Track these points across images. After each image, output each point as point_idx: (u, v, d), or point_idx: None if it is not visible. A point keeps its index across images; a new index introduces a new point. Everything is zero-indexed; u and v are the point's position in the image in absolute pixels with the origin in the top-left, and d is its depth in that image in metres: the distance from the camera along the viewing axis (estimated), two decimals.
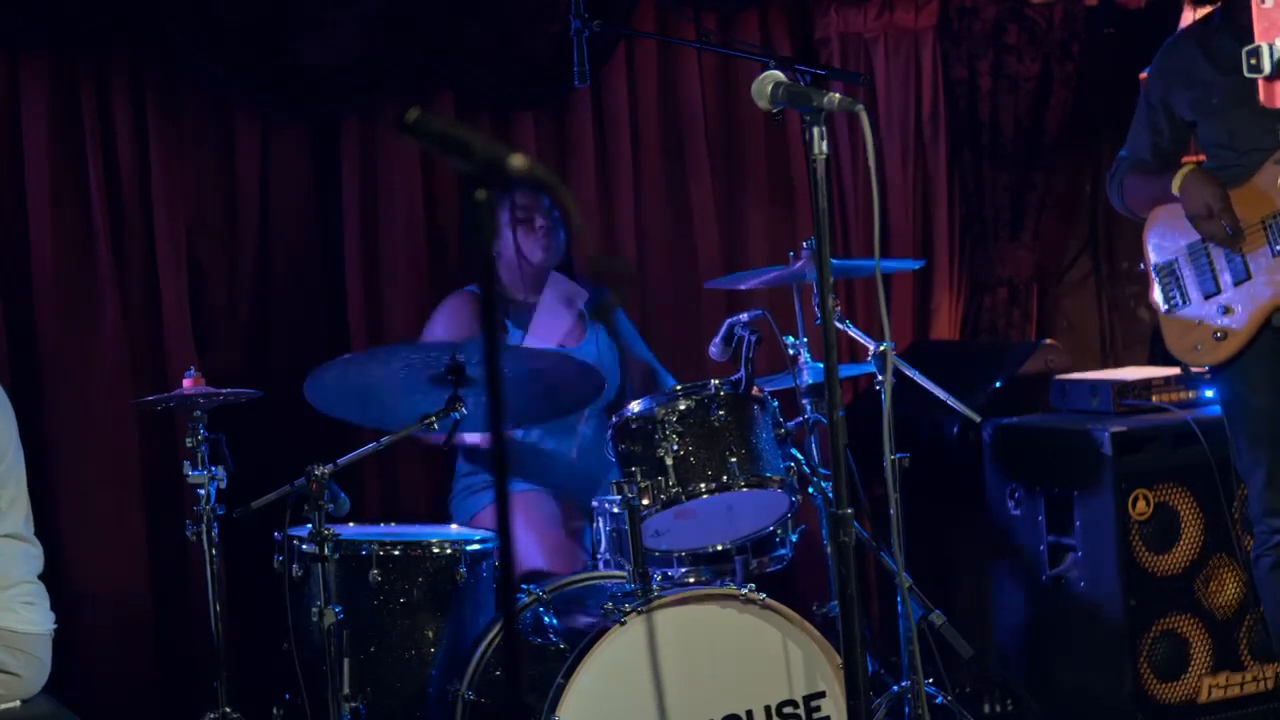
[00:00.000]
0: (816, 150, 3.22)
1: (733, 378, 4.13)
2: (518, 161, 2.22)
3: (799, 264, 4.31)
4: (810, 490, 4.18)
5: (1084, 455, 4.78)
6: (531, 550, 4.62)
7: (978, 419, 4.72)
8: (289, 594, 4.02)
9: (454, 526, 4.61)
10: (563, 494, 4.82)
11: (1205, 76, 4.28)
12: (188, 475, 4.07)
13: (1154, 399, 4.91)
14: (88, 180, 4.82)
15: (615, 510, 4.13)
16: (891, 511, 3.68)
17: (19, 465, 3.92)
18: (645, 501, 3.97)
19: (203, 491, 4.06)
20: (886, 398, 3.65)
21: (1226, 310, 4.26)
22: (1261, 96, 3.51)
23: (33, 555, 3.93)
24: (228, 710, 4.11)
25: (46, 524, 4.19)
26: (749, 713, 3.87)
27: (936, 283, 5.92)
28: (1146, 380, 4.95)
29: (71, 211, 4.83)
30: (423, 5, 5.07)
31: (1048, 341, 5.53)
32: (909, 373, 4.40)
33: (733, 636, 3.87)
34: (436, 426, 3.99)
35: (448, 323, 4.86)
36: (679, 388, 4.12)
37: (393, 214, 5.16)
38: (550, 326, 4.93)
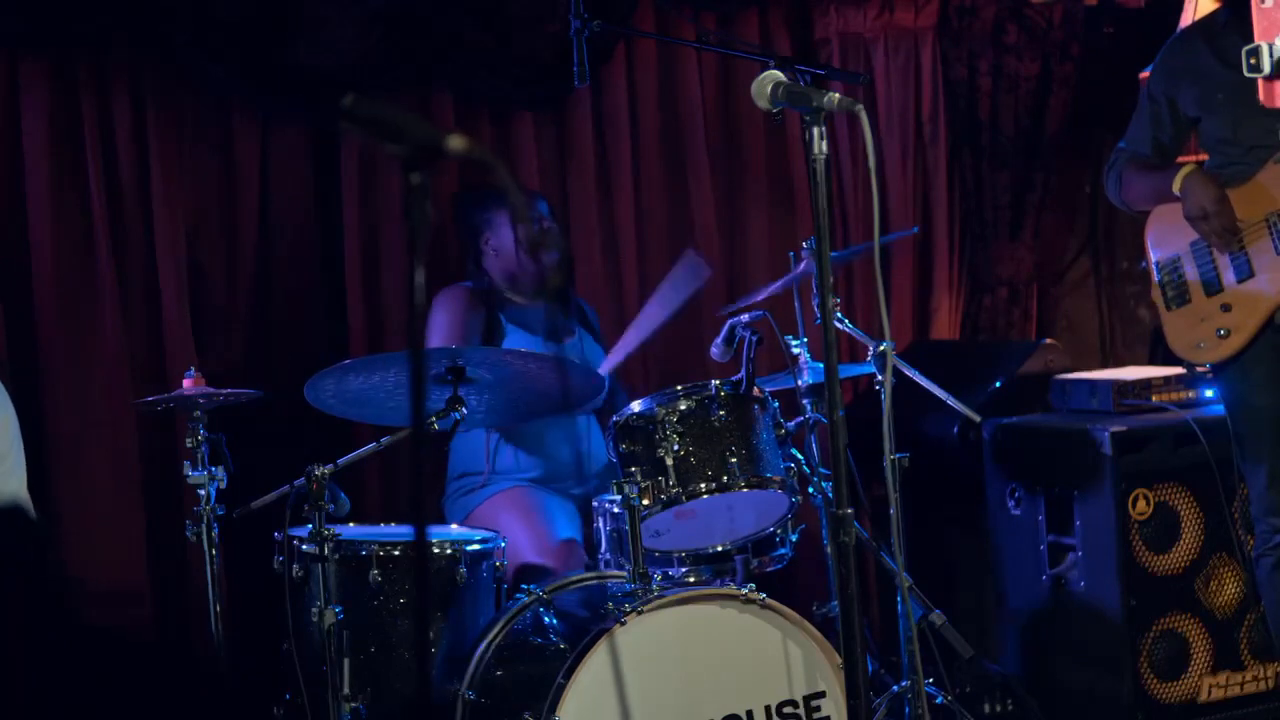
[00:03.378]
0: (816, 150, 3.21)
1: (733, 378, 4.13)
2: (455, 143, 2.20)
3: (800, 267, 4.31)
4: (810, 490, 4.18)
5: (1084, 455, 4.77)
6: (525, 545, 4.61)
7: (978, 419, 4.72)
8: (289, 594, 4.01)
9: (454, 526, 4.61)
10: (552, 484, 4.82)
11: (1211, 72, 4.26)
12: (188, 475, 4.06)
13: (1154, 399, 4.91)
14: (88, 180, 4.81)
15: (615, 510, 4.13)
16: (891, 511, 3.68)
17: (20, 465, 3.92)
18: (645, 501, 3.97)
19: (203, 492, 4.05)
20: (886, 398, 3.64)
21: (1229, 307, 4.26)
22: (1261, 96, 3.50)
23: None
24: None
25: (46, 524, 4.18)
26: (749, 713, 3.86)
27: (936, 283, 5.92)
28: (1146, 380, 4.95)
29: (71, 212, 4.82)
30: (422, 5, 5.07)
31: (1048, 341, 5.52)
32: (909, 373, 4.40)
33: (733, 636, 3.87)
34: (437, 426, 4.00)
35: (445, 319, 4.85)
36: (680, 388, 4.12)
37: (392, 214, 5.16)
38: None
